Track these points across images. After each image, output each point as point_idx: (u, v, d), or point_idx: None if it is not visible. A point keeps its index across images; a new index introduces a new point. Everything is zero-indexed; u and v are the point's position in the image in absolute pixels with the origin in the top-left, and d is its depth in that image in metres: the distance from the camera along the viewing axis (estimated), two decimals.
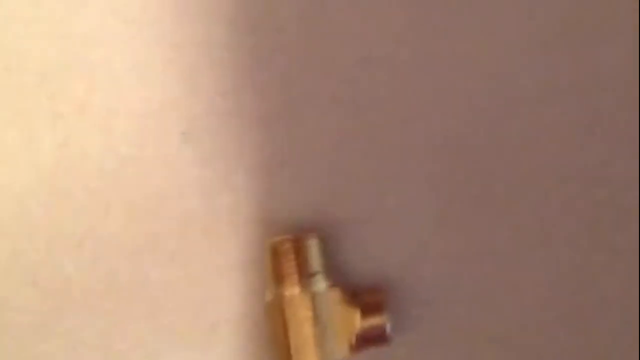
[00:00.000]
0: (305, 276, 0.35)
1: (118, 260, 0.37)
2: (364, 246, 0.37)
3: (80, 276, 0.37)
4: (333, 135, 0.37)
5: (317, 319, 0.35)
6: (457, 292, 0.37)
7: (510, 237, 0.37)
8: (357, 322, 0.35)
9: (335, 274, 0.36)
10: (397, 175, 0.37)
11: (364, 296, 0.36)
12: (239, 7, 0.37)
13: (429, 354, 0.37)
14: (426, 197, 0.37)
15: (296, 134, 0.37)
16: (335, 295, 0.35)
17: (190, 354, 0.37)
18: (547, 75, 0.37)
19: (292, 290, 0.35)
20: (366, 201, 0.37)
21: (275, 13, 0.37)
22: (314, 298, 0.35)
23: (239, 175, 0.37)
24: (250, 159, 0.37)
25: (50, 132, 0.37)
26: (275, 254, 0.35)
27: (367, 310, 0.35)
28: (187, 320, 0.37)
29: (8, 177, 0.37)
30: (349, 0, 0.37)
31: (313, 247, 0.36)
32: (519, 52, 0.37)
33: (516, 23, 0.37)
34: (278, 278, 0.35)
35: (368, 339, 0.35)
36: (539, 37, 0.37)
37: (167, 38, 0.38)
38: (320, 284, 0.35)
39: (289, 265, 0.35)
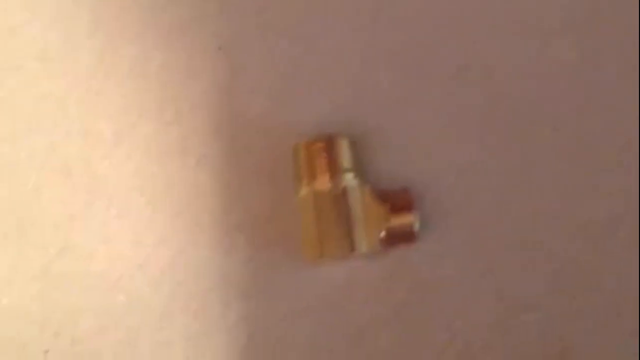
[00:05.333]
0: (337, 173, 0.36)
1: (149, 161, 0.38)
2: (390, 152, 0.38)
3: (112, 173, 0.38)
4: (363, 46, 0.39)
5: (348, 213, 0.36)
6: (476, 201, 0.38)
7: (527, 151, 0.38)
8: (387, 218, 0.36)
9: (364, 175, 0.37)
10: (424, 89, 0.39)
11: (393, 195, 0.37)
12: None
13: (449, 259, 0.38)
14: (450, 111, 0.39)
15: (326, 45, 0.39)
16: (366, 192, 0.36)
17: (213, 253, 0.37)
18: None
19: (325, 186, 0.36)
20: (394, 111, 0.38)
21: None
22: (346, 194, 0.36)
23: (269, 82, 0.39)
24: (280, 68, 0.39)
25: None
26: (308, 152, 0.36)
27: (397, 208, 0.36)
28: (213, 220, 0.38)
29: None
30: None
31: (344, 146, 0.37)
32: None
33: None
34: (310, 175, 0.36)
35: (396, 236, 0.36)
36: None
37: None
38: (352, 180, 0.36)
39: (322, 163, 0.36)
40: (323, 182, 0.36)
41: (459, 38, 0.39)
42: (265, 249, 0.38)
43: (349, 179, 0.36)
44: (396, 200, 0.37)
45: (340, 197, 0.36)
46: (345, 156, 0.37)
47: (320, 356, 0.37)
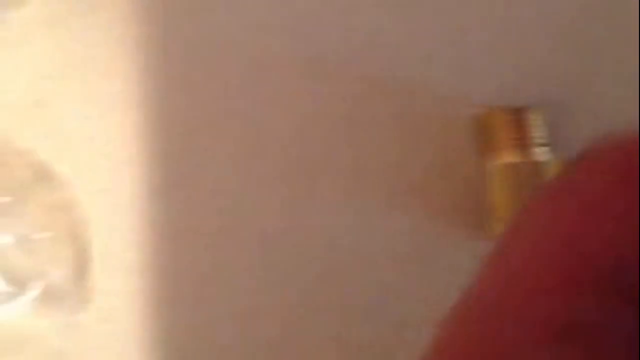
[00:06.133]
0: (529, 146, 0.34)
1: (304, 125, 0.36)
2: (580, 127, 0.36)
3: (274, 130, 0.36)
4: (548, 17, 0.37)
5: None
6: None
7: None
8: None
9: (556, 149, 0.35)
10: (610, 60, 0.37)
11: None
12: None
13: None
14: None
15: (508, 13, 0.37)
16: (559, 167, 0.35)
17: (382, 221, 0.36)
18: None
19: (517, 159, 0.34)
20: (581, 84, 0.37)
21: None
22: (538, 168, 0.34)
23: (450, 48, 0.37)
24: (463, 34, 0.37)
25: None
26: (499, 123, 0.35)
27: None
28: (384, 188, 0.36)
29: None
30: None
31: (537, 119, 0.35)
32: None
33: None
34: (500, 147, 0.35)
35: None
36: None
37: None
38: (545, 155, 0.35)
39: (514, 135, 0.35)
40: (515, 156, 0.34)
41: None
42: (437, 221, 0.36)
43: (542, 153, 0.35)
44: None
45: (533, 171, 0.34)
46: (537, 129, 0.35)
47: None
